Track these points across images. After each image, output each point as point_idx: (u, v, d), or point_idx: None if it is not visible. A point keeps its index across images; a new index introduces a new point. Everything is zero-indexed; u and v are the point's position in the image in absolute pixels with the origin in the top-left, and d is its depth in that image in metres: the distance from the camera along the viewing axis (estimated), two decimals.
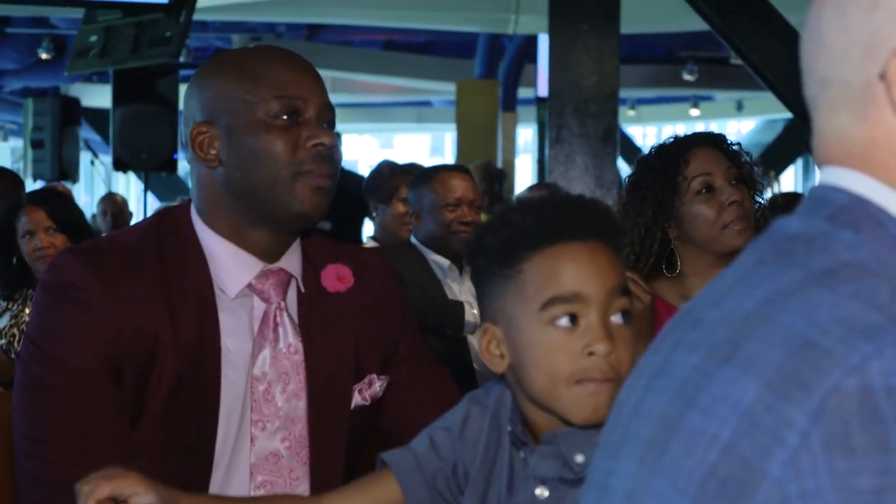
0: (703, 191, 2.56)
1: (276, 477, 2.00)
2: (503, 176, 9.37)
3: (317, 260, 2.09)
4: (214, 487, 1.99)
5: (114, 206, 8.91)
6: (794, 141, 17.63)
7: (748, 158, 2.63)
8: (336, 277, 2.08)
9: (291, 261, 2.05)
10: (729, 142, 2.64)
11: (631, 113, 19.73)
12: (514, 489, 1.62)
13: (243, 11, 12.39)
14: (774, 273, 0.91)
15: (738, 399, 0.86)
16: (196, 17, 7.71)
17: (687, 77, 16.06)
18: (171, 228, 2.03)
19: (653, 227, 2.58)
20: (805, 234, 0.93)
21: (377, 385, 2.10)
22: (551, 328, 1.55)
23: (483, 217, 4.36)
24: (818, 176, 0.99)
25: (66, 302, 1.94)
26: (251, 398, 1.99)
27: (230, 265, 2.00)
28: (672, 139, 2.67)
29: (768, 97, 8.49)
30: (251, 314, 2.02)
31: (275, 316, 2.01)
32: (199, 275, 1.99)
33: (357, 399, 2.07)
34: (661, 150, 2.64)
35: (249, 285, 2.01)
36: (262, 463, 1.99)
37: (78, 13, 8.36)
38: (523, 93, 14.96)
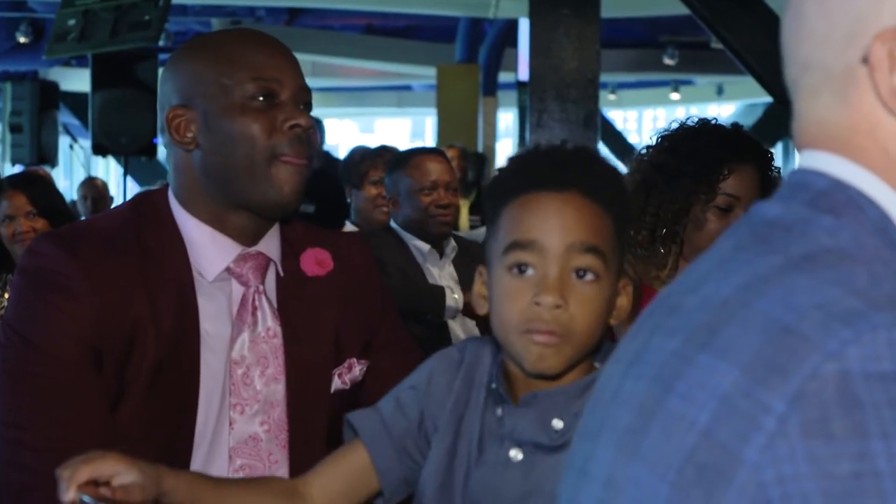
0: (724, 208, 2.54)
1: (255, 461, 2.00)
2: (483, 160, 9.36)
3: (296, 244, 2.08)
4: (195, 469, 1.97)
5: (94, 190, 8.88)
6: (775, 125, 17.66)
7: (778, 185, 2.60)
8: (315, 262, 2.07)
9: (270, 245, 2.04)
10: (773, 167, 2.60)
11: (612, 97, 19.75)
12: (485, 447, 1.63)
13: None
14: (753, 258, 0.90)
15: (717, 385, 0.85)
16: (175, 0, 7.67)
17: (667, 61, 16.08)
18: (149, 213, 2.02)
19: (671, 219, 2.55)
20: (784, 220, 0.92)
21: (357, 369, 2.09)
22: (508, 275, 1.57)
23: (461, 201, 4.34)
24: (798, 160, 0.99)
25: (45, 287, 1.93)
26: (230, 382, 1.99)
27: (209, 249, 2.00)
28: (720, 138, 2.57)
29: (748, 81, 8.51)
30: (230, 298, 2.01)
31: (253, 300, 2.01)
32: (178, 260, 1.98)
33: (337, 383, 2.07)
34: (706, 147, 2.55)
35: (228, 269, 2.00)
36: (241, 447, 1.99)
37: None
38: (504, 77, 14.96)
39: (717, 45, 9.63)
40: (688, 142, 2.59)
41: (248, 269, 2.01)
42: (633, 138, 22.17)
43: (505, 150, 18.46)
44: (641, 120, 24.57)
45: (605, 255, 1.58)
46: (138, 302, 1.93)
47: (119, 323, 1.92)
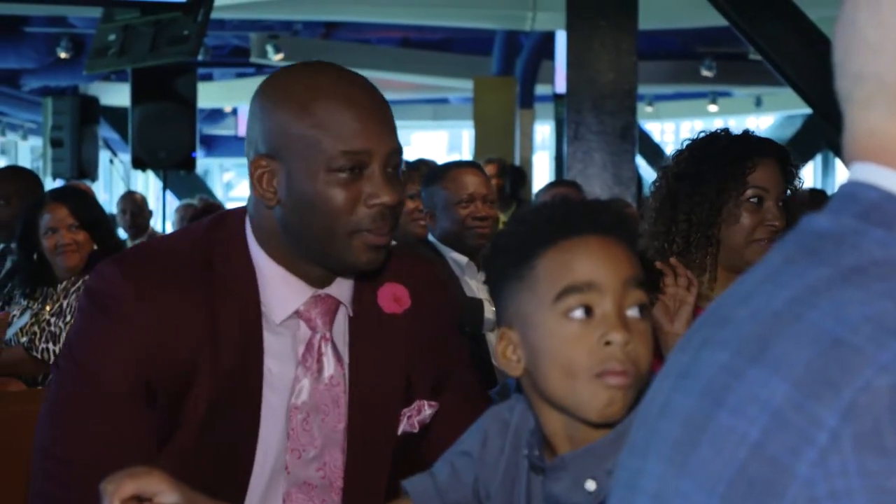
0: (754, 200, 2.56)
1: None
2: (522, 174, 9.35)
3: (375, 277, 2.02)
4: None
5: (133, 204, 8.92)
6: (814, 137, 17.59)
7: (800, 183, 2.66)
8: (393, 298, 2.02)
9: (342, 287, 1.99)
10: (792, 161, 2.65)
11: (649, 109, 19.70)
12: None
13: (260, 9, 12.41)
14: (803, 271, 0.89)
15: (768, 398, 0.84)
16: (213, 15, 7.72)
17: (705, 73, 16.03)
18: (223, 240, 1.96)
19: (705, 221, 2.58)
20: (834, 232, 0.91)
21: (427, 412, 2.04)
22: (566, 321, 1.52)
23: (500, 214, 4.34)
24: (839, 172, 0.98)
25: (102, 312, 1.90)
26: (289, 426, 1.95)
27: (280, 289, 1.94)
28: (737, 137, 2.64)
29: (787, 93, 8.48)
30: (295, 337, 1.97)
31: (319, 346, 1.96)
32: (248, 295, 1.93)
33: (405, 425, 2.02)
34: (727, 146, 2.62)
35: (297, 312, 1.95)
36: (294, 491, 1.96)
37: (96, 12, 8.39)
38: (541, 89, 14.95)
39: (755, 56, 9.60)
40: (706, 146, 2.65)
41: (316, 313, 1.96)
42: (670, 150, 22.09)
43: (542, 162, 18.45)
44: (679, 132, 24.49)
45: (647, 290, 1.58)
46: (200, 336, 1.89)
47: (177, 357, 1.88)
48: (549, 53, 13.89)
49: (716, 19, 8.00)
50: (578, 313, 1.52)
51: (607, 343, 1.51)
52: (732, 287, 0.96)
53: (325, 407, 1.96)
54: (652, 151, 17.15)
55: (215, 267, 1.92)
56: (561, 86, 11.60)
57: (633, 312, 1.53)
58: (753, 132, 2.71)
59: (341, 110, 1.86)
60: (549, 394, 1.56)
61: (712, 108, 19.66)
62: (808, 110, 11.60)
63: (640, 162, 11.99)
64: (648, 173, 16.16)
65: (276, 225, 1.92)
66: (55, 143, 10.16)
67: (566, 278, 1.52)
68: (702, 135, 2.69)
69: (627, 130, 7.30)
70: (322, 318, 1.96)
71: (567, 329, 1.52)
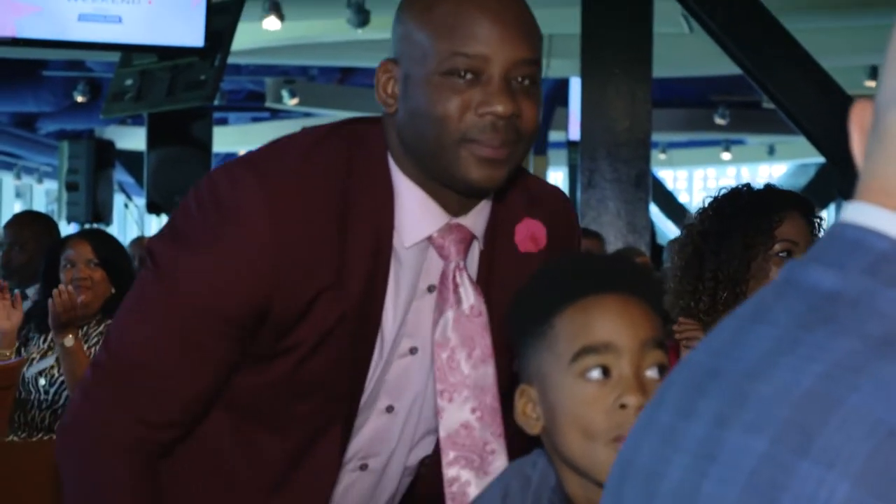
0: (783, 254, 2.54)
1: (470, 452, 1.83)
2: None
3: (514, 211, 1.90)
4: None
5: (143, 250, 8.92)
6: (827, 186, 17.56)
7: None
8: (530, 237, 1.88)
9: (477, 219, 1.85)
10: (816, 214, 2.63)
11: (662, 156, 19.72)
12: None
13: (276, 55, 12.48)
14: (825, 342, 0.81)
15: (828, 498, 0.77)
16: (230, 60, 7.76)
17: (719, 121, 16.05)
18: (363, 153, 1.81)
19: (732, 278, 2.55)
20: (845, 293, 0.83)
21: None
22: (583, 381, 1.51)
23: None
24: (849, 210, 0.88)
25: (224, 219, 1.73)
26: (433, 367, 1.82)
27: (416, 212, 1.80)
28: (760, 192, 2.62)
29: (801, 141, 8.49)
30: (421, 271, 1.83)
31: (454, 276, 1.82)
32: (383, 221, 1.79)
33: None
34: (752, 201, 2.60)
35: (430, 238, 1.81)
36: (452, 437, 1.82)
37: (114, 57, 8.44)
38: (554, 136, 14.98)
39: (768, 104, 9.61)
40: (730, 202, 2.62)
41: (451, 241, 1.82)
42: (683, 198, 22.10)
43: None
44: (692, 179, 24.50)
45: (667, 350, 1.56)
46: (326, 262, 1.75)
47: (297, 286, 1.74)
48: (563, 100, 13.92)
49: (729, 68, 8.02)
50: (595, 374, 1.51)
51: (623, 406, 1.49)
52: (718, 335, 0.89)
53: (469, 341, 1.82)
54: (665, 199, 17.15)
55: (353, 183, 1.78)
56: (575, 133, 11.62)
57: (651, 373, 1.52)
58: (776, 185, 2.69)
59: (463, 12, 1.73)
60: (565, 454, 1.54)
61: (725, 155, 19.68)
62: (821, 159, 11.59)
63: (653, 209, 12.00)
64: (661, 221, 16.19)
65: (397, 136, 1.79)
66: (70, 187, 10.20)
67: (584, 338, 1.51)
68: (723, 191, 2.66)
69: (641, 178, 7.30)
70: (456, 247, 1.82)
71: (584, 390, 1.51)
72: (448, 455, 1.82)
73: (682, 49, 10.71)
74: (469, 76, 1.71)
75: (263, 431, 1.84)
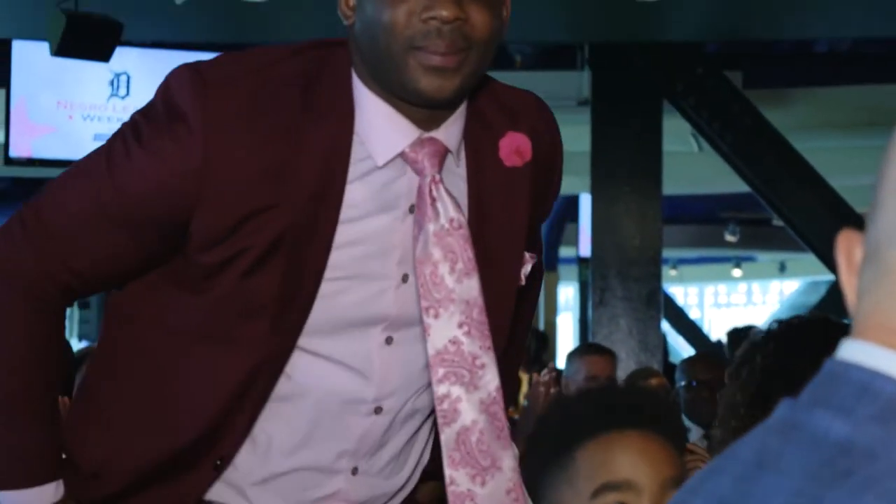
0: None
1: (459, 368, 1.77)
2: (545, 337, 9.35)
3: (495, 126, 1.84)
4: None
5: None
6: (838, 304, 17.53)
7: None
8: (515, 151, 1.84)
9: (450, 133, 1.79)
10: None
11: (672, 273, 19.75)
12: None
13: None
14: (850, 499, 0.77)
15: None
16: None
17: (729, 238, 16.09)
18: (328, 69, 1.77)
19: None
20: (859, 444, 0.79)
21: (528, 264, 1.91)
22: None
23: (522, 375, 4.31)
24: (851, 349, 0.84)
25: (163, 122, 1.72)
26: (417, 283, 1.77)
27: (385, 129, 1.75)
28: (819, 323, 2.49)
29: (812, 258, 8.50)
30: (400, 191, 1.79)
31: (430, 190, 1.77)
32: (341, 136, 1.74)
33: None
34: (818, 335, 2.50)
35: (402, 154, 1.77)
36: (441, 354, 1.77)
37: None
38: (564, 251, 15.01)
39: (778, 222, 9.65)
40: (803, 334, 2.51)
41: (423, 154, 1.77)
42: (694, 313, 22.07)
43: (565, 323, 18.43)
44: (703, 295, 24.49)
45: None
46: (269, 178, 1.71)
47: (228, 196, 1.70)
48: (574, 216, 13.99)
49: (739, 186, 8.07)
50: None
51: None
52: (718, 481, 0.84)
53: (451, 255, 1.77)
54: (676, 315, 17.13)
55: (311, 101, 1.74)
56: (585, 249, 11.66)
57: None
58: (831, 317, 2.58)
59: None
60: None
61: (736, 272, 19.70)
62: (832, 277, 11.60)
63: (664, 325, 11.98)
64: (672, 336, 16.14)
65: (357, 50, 1.75)
66: (82, 305, 10.24)
67: (604, 475, 1.50)
68: (794, 321, 2.56)
69: (653, 296, 7.31)
70: (430, 160, 1.76)
71: None
72: (437, 372, 1.77)
73: (692, 167, 10.79)
74: None
75: (217, 353, 1.79)
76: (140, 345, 1.85)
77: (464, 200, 1.82)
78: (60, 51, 6.04)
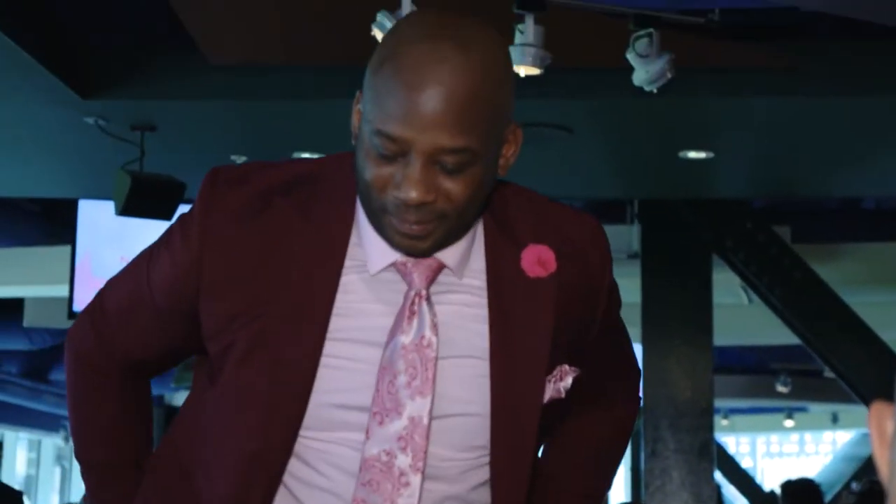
0: None
1: (383, 478, 1.78)
2: None
3: (519, 236, 1.84)
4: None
5: None
6: None
7: None
8: (538, 262, 1.82)
9: (450, 252, 1.79)
10: None
11: (724, 422, 19.57)
12: None
13: None
14: None
15: None
16: None
17: (780, 388, 15.99)
18: (339, 169, 1.81)
19: None
20: None
21: (570, 377, 1.90)
22: None
23: None
24: None
25: (187, 217, 1.85)
26: (375, 388, 1.78)
27: (376, 241, 1.77)
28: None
29: (864, 410, 8.48)
30: (395, 291, 1.80)
31: (413, 303, 1.78)
32: (337, 241, 1.78)
33: (551, 391, 1.87)
34: None
35: (394, 264, 1.78)
36: (372, 460, 1.78)
37: None
38: None
39: (829, 373, 9.64)
40: None
41: (414, 268, 1.78)
42: (746, 463, 21.80)
43: (617, 475, 18.22)
44: (755, 445, 24.20)
45: None
46: (258, 282, 1.76)
47: (219, 292, 1.78)
48: None
49: (789, 338, 8.10)
50: None
51: None
52: None
53: (411, 370, 1.77)
54: (728, 464, 16.95)
55: (316, 201, 1.79)
56: None
57: None
58: None
59: (397, 83, 1.63)
60: None
61: (788, 423, 19.49)
62: None
63: (718, 476, 11.88)
64: (724, 486, 15.95)
65: None
66: None
67: None
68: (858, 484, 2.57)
69: (705, 448, 7.31)
70: (420, 275, 1.78)
71: None
72: (364, 477, 1.79)
73: (742, 319, 10.82)
74: (389, 154, 1.65)
75: (223, 440, 1.83)
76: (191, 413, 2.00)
77: (468, 312, 1.82)
78: (125, 211, 6.14)
